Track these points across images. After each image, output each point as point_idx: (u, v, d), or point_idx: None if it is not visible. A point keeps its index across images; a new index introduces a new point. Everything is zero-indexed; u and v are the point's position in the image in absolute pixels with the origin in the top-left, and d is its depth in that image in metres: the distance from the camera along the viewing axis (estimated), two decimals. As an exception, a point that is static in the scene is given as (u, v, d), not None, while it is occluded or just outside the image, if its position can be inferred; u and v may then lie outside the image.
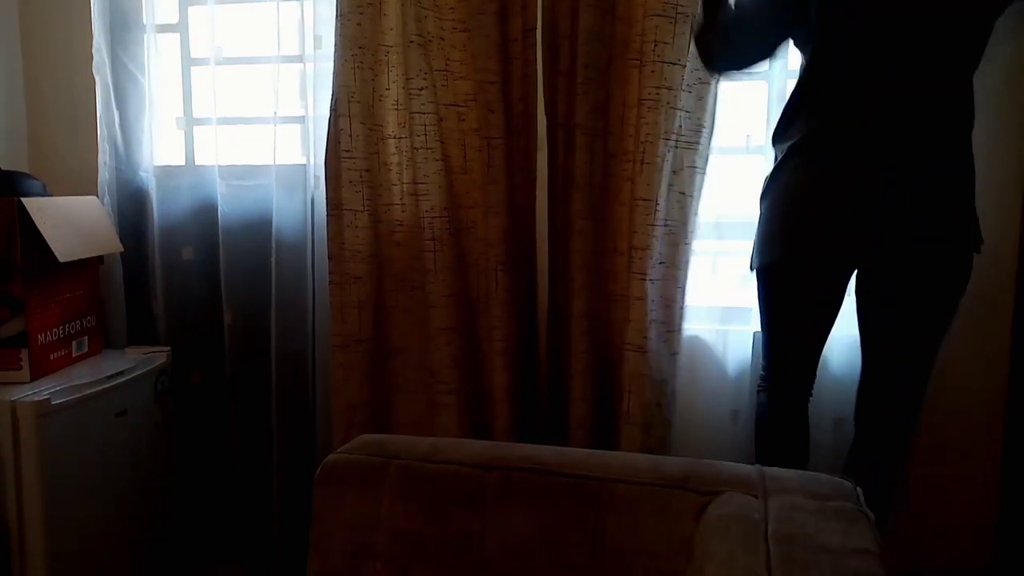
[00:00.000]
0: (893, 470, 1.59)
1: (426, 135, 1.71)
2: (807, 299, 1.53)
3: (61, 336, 1.74)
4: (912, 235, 1.41)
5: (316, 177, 1.88)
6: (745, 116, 1.81)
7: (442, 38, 1.67)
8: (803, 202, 1.47)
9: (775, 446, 1.60)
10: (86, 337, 1.84)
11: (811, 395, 1.61)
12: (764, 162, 1.74)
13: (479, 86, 1.65)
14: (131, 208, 2.00)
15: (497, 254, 1.69)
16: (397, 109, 1.75)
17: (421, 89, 1.70)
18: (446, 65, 1.68)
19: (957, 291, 1.46)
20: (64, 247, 1.66)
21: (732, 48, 1.54)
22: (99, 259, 1.89)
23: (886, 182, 1.40)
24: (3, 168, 1.77)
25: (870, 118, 1.43)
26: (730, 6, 1.54)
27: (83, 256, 1.74)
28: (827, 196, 1.45)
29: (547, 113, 1.69)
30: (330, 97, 1.73)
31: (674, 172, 1.65)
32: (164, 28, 2.00)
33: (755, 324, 1.70)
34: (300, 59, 1.89)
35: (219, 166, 1.94)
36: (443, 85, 1.69)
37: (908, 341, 1.51)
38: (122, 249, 1.92)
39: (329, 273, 1.77)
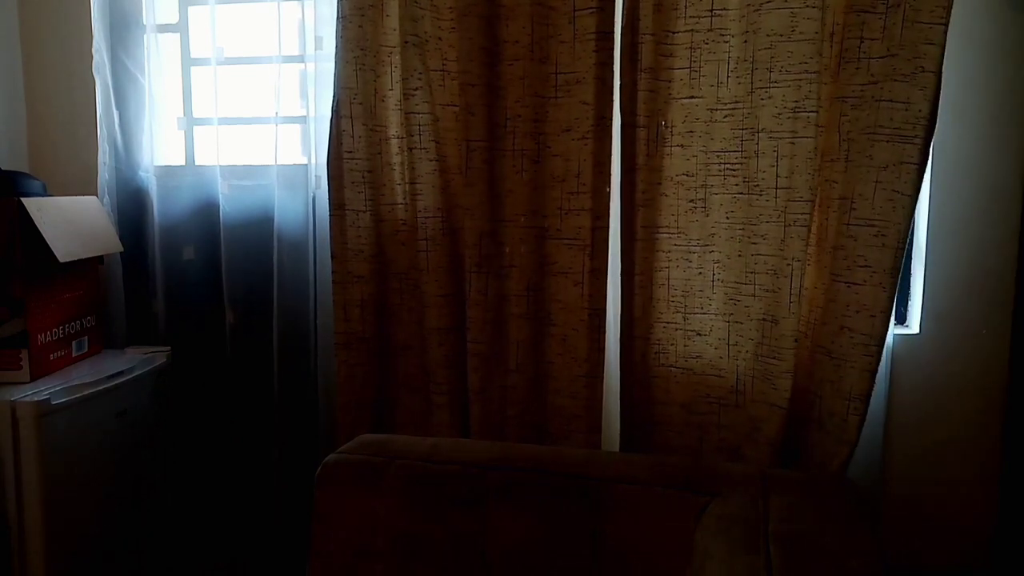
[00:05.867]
0: None
1: (421, 135, 1.72)
2: None
3: (61, 336, 1.74)
4: None
5: (317, 177, 1.88)
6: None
7: (439, 38, 1.67)
8: None
9: None
10: (86, 337, 1.84)
11: None
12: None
13: (463, 88, 1.65)
14: (131, 208, 2.00)
15: (472, 256, 1.69)
16: (399, 110, 1.75)
17: (416, 89, 1.71)
18: (443, 65, 1.68)
19: None
20: (64, 247, 1.66)
21: None
22: (99, 259, 1.89)
23: None
24: (3, 168, 1.77)
25: None
26: None
27: (83, 256, 1.74)
28: None
29: None
30: (331, 98, 1.73)
31: (883, 168, 1.49)
32: (164, 28, 1.99)
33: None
34: (301, 59, 1.89)
35: (220, 166, 1.94)
36: (440, 85, 1.69)
37: None
38: (122, 249, 1.92)
39: (332, 272, 1.77)
